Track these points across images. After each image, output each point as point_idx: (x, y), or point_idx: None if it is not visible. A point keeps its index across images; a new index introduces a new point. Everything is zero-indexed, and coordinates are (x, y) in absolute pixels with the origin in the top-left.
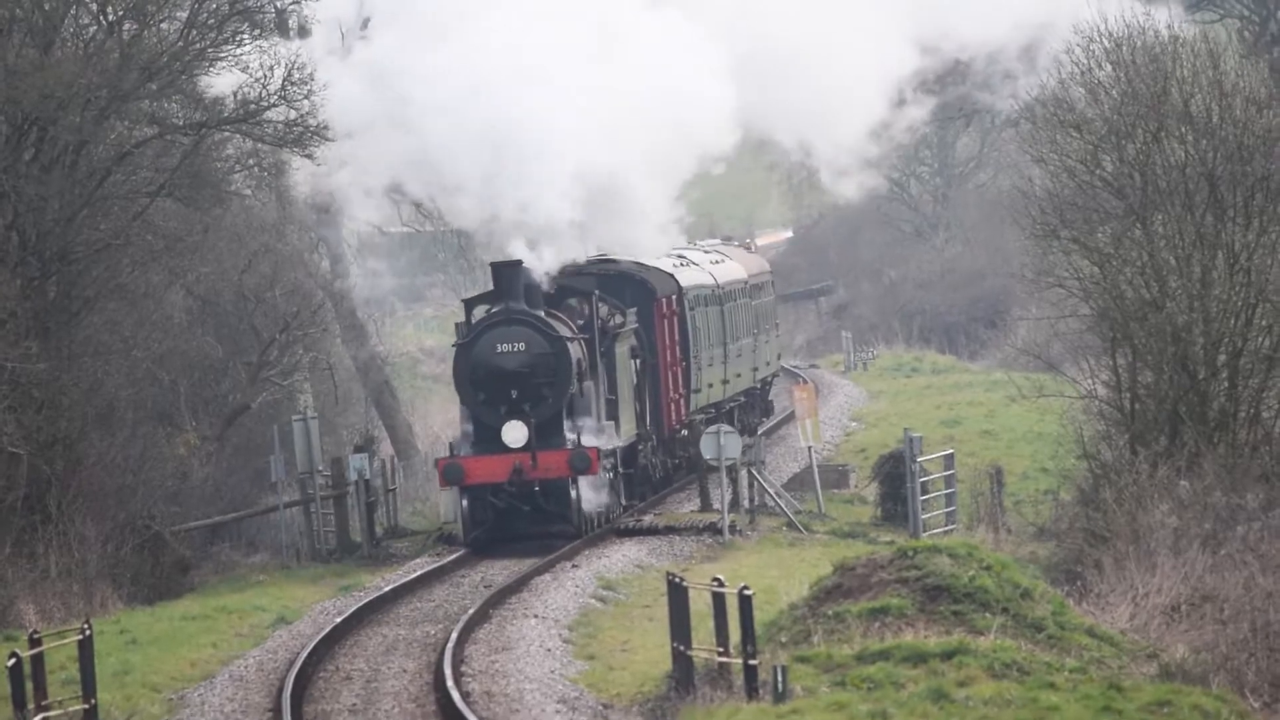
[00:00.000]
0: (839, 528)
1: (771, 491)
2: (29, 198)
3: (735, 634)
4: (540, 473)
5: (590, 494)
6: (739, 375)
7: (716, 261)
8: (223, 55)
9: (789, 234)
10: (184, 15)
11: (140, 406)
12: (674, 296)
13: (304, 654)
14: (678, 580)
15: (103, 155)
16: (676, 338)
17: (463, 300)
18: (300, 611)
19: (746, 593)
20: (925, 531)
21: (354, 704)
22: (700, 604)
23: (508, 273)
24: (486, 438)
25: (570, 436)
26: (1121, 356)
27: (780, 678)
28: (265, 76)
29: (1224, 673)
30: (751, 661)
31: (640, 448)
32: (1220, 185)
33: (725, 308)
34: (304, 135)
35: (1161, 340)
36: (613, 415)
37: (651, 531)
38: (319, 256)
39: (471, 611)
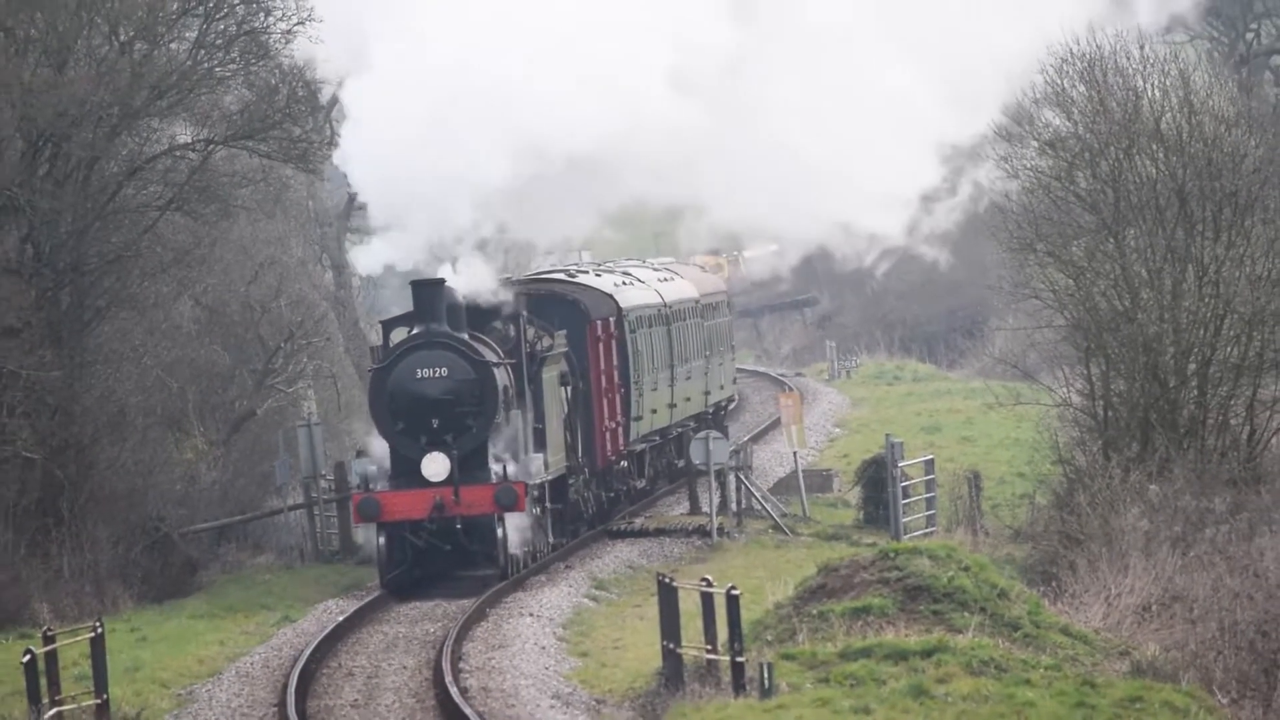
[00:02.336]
0: (823, 530)
1: (758, 495)
2: (43, 211)
3: (723, 632)
4: (463, 509)
5: (516, 532)
6: (688, 399)
7: (665, 280)
8: (230, 74)
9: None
10: (192, 36)
11: (150, 413)
12: (612, 318)
13: (308, 651)
14: (668, 580)
15: (114, 170)
16: (614, 362)
17: (380, 321)
18: (304, 610)
19: (734, 593)
20: (906, 534)
21: (355, 699)
22: (689, 603)
23: (429, 292)
24: (405, 470)
25: (495, 470)
26: (1095, 366)
27: (766, 674)
28: (270, 95)
29: (1193, 670)
30: (739, 659)
31: (570, 481)
32: (1190, 200)
33: (673, 328)
34: (307, 151)
35: (1133, 350)
36: (540, 446)
37: (642, 533)
38: (322, 268)
39: (469, 610)
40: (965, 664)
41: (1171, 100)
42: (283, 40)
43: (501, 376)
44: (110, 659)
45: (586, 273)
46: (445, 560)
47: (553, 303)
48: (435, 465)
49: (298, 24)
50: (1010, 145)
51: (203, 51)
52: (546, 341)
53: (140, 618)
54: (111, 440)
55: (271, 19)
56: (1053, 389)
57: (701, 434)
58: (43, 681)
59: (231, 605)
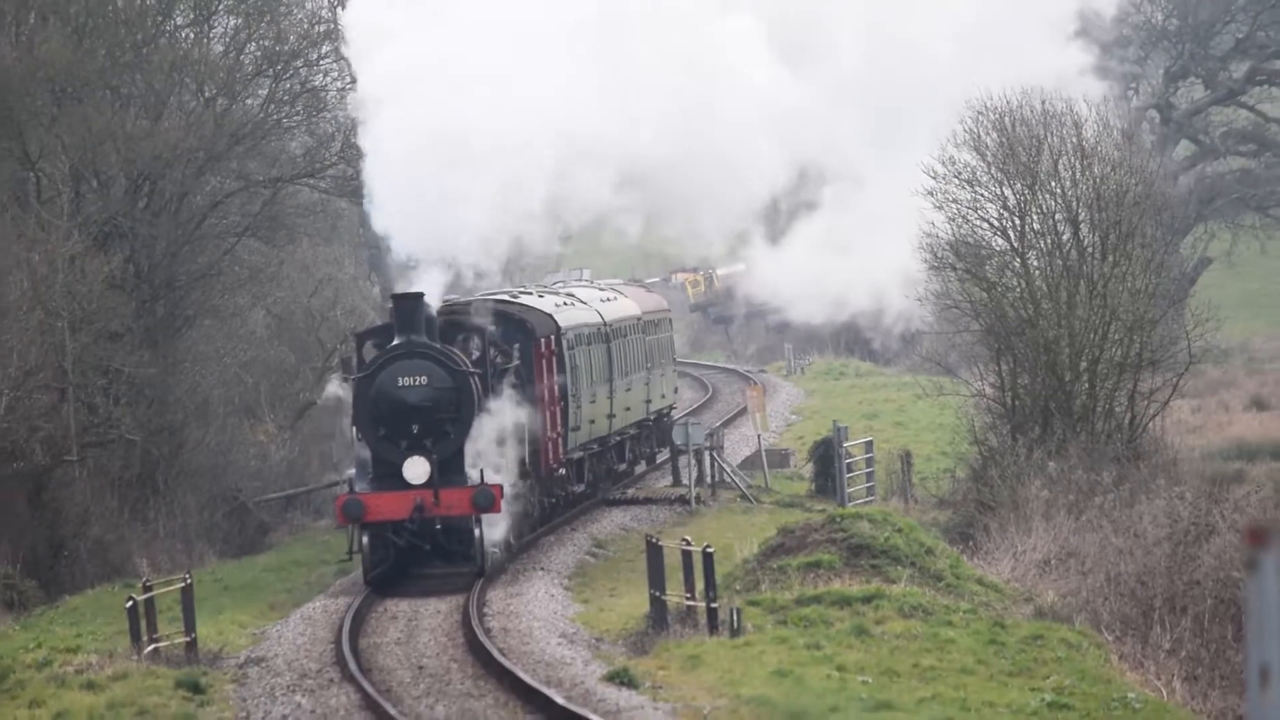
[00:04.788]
0: (781, 499)
1: (729, 470)
2: (143, 237)
3: (700, 583)
4: (442, 510)
5: (491, 532)
6: (628, 409)
7: (608, 300)
8: (294, 124)
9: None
10: (264, 93)
11: (229, 402)
12: (552, 336)
13: (359, 598)
14: (654, 540)
15: (200, 203)
16: (555, 377)
17: (354, 334)
18: (356, 564)
19: (709, 550)
20: (850, 502)
21: (399, 637)
22: (672, 559)
23: (409, 305)
24: (386, 473)
25: (472, 473)
26: (1004, 363)
27: (735, 617)
28: (328, 141)
29: (1085, 613)
30: (713, 604)
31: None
32: (1082, 228)
33: (612, 345)
34: (359, 188)
35: (1036, 350)
36: (503, 453)
37: (633, 502)
38: (371, 283)
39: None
40: (898, 608)
41: (1067, 146)
42: (338, 97)
43: (475, 385)
44: (197, 604)
45: (530, 294)
46: (425, 559)
47: (503, 321)
48: (416, 469)
49: (351, 83)
50: (936, 181)
51: (272, 105)
52: (503, 357)
53: (222, 570)
54: (198, 425)
55: (329, 79)
56: (970, 382)
57: (682, 420)
58: (142, 623)
59: (296, 560)
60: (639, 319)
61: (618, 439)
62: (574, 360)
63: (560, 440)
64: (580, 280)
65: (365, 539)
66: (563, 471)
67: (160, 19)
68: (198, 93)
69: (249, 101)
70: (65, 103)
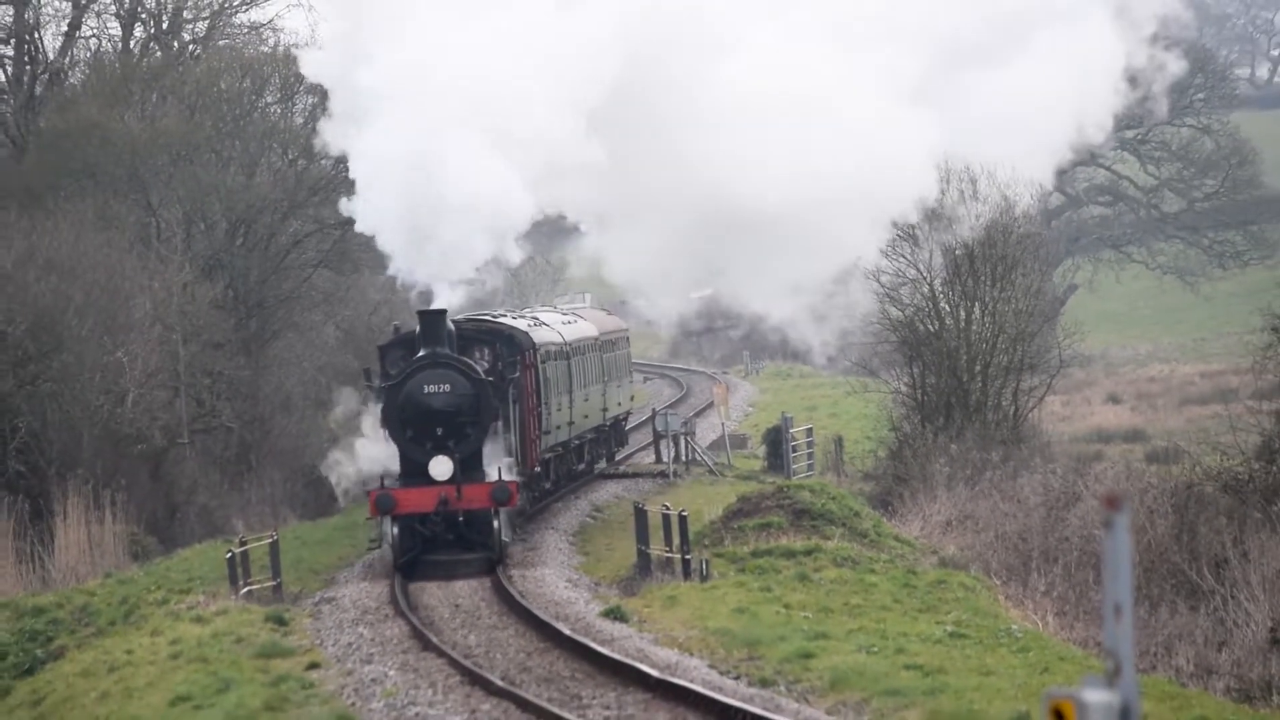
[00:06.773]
0: (741, 473)
1: (699, 450)
2: (239, 268)
3: (676, 539)
4: (464, 504)
5: (508, 523)
6: (587, 417)
7: (568, 322)
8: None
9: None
10: (335, 155)
11: (307, 398)
12: (531, 351)
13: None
14: (641, 505)
15: (284, 242)
16: (533, 387)
17: (378, 346)
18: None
19: (683, 513)
20: (794, 475)
21: (439, 583)
22: (655, 520)
23: (434, 319)
24: (414, 471)
25: (490, 470)
26: (916, 367)
27: (705, 566)
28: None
29: (978, 562)
30: (687, 556)
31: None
32: (977, 261)
33: (573, 361)
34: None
35: (940, 357)
36: (510, 452)
37: (624, 475)
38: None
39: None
40: (832, 559)
41: (965, 198)
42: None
43: (490, 392)
44: (282, 556)
45: (505, 316)
46: (448, 547)
47: (495, 337)
48: (441, 466)
49: None
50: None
51: (342, 164)
52: (508, 368)
53: (301, 529)
54: (282, 415)
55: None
56: (889, 381)
57: (662, 410)
58: (239, 570)
59: (359, 522)
60: (596, 339)
61: (577, 442)
62: (544, 373)
63: (537, 442)
64: (582, 305)
65: (395, 529)
66: (538, 469)
67: (254, 98)
68: (283, 155)
69: (323, 162)
70: (179, 163)
